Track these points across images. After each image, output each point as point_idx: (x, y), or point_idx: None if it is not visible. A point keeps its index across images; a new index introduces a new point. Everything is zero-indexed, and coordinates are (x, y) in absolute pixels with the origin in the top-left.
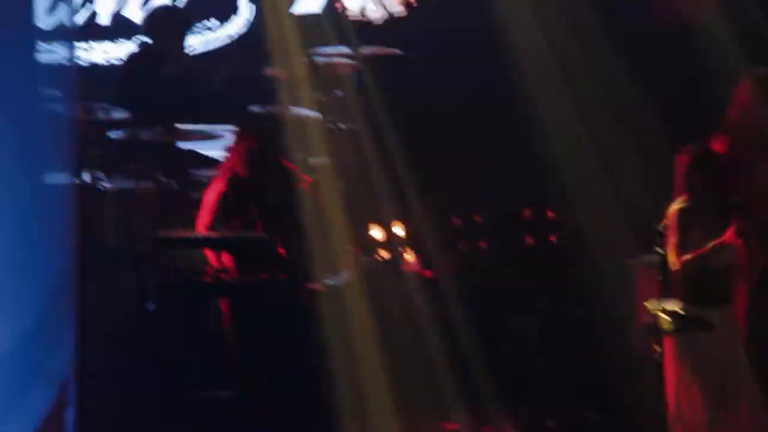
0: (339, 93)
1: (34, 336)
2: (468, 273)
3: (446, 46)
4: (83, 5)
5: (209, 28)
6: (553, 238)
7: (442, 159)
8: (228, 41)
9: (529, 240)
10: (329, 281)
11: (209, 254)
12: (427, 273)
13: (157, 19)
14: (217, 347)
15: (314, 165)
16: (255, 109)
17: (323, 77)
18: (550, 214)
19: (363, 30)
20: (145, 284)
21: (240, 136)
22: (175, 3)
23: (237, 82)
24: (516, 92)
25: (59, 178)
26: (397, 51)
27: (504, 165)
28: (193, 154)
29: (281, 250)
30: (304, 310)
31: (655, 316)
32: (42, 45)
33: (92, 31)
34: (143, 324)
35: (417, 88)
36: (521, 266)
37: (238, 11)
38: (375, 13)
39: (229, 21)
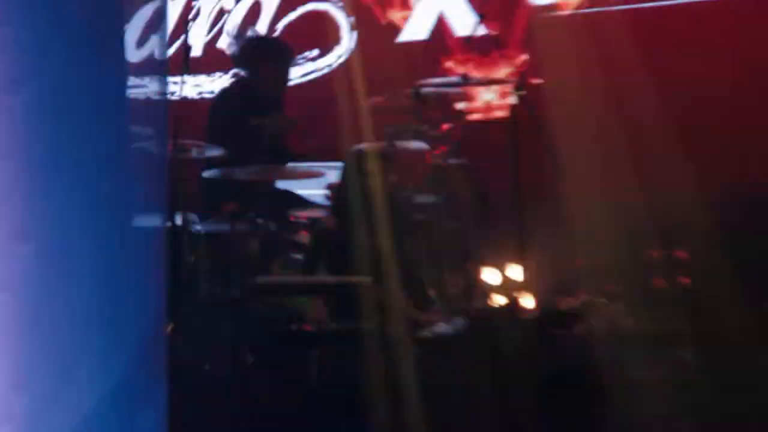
0: (448, 125)
1: (123, 392)
2: (592, 319)
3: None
4: (178, 37)
5: (309, 59)
6: (686, 281)
7: (563, 192)
8: (327, 71)
9: (658, 282)
10: (438, 329)
11: (312, 301)
12: (546, 320)
13: (254, 50)
14: (320, 402)
15: (421, 203)
16: (360, 145)
17: (431, 108)
18: (681, 254)
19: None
20: (242, 334)
21: (344, 171)
22: (272, 34)
23: (337, 116)
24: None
25: (150, 221)
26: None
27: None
28: (291, 194)
29: (388, 296)
30: (411, 360)
31: None
32: (133, 80)
33: (185, 63)
34: (240, 378)
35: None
36: (653, 310)
37: (340, 40)
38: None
39: (330, 51)
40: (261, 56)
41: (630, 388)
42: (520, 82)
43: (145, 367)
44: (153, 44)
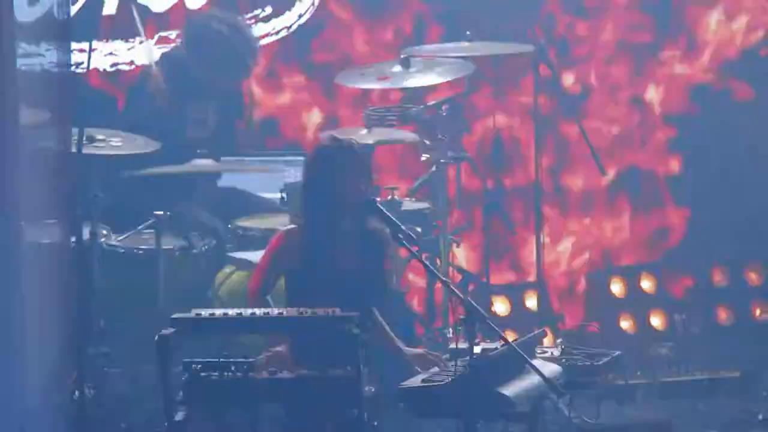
0: (444, 108)
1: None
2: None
3: None
4: None
5: (258, 18)
6: None
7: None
8: (285, 34)
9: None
10: (432, 377)
11: (268, 340)
12: (572, 363)
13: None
14: None
15: (411, 210)
16: (327, 133)
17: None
18: None
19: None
20: (172, 385)
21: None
22: None
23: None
24: None
25: (49, 235)
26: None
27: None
28: (239, 194)
29: (368, 333)
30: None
31: None
32: (24, 47)
33: (94, 25)
34: None
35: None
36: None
37: None
38: None
39: (287, 8)
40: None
41: None
42: None
43: (41, 416)
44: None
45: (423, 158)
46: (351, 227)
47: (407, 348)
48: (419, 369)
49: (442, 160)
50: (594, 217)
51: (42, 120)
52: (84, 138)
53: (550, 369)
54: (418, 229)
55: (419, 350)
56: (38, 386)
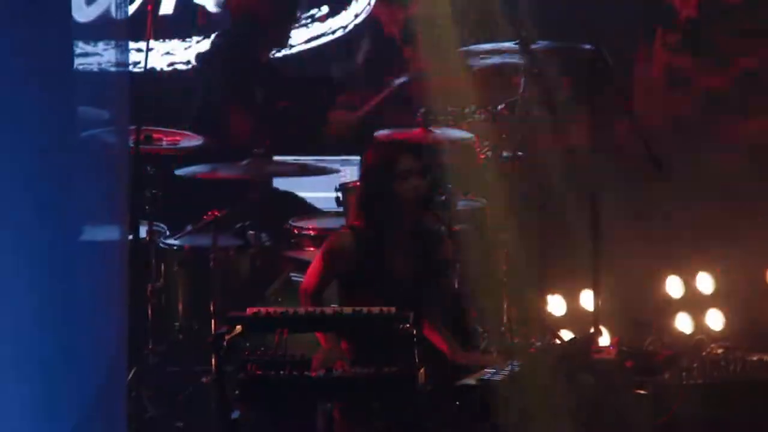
0: (501, 108)
1: None
2: (682, 361)
3: None
4: None
5: (314, 18)
6: None
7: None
8: (342, 34)
9: None
10: (488, 376)
11: (321, 339)
12: (628, 363)
13: (247, 8)
14: None
15: (466, 209)
16: (383, 132)
17: (481, 86)
18: None
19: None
20: (226, 382)
21: (365, 170)
22: None
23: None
24: None
25: (106, 233)
26: (586, 46)
27: None
28: (294, 196)
29: (428, 333)
30: (453, 416)
31: None
32: (81, 46)
33: (152, 25)
34: None
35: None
36: None
37: None
38: None
39: (343, 8)
40: (258, 16)
41: None
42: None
43: (97, 420)
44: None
45: (479, 157)
46: (407, 228)
47: (461, 350)
48: (474, 369)
49: (497, 160)
50: None
51: (100, 119)
52: (142, 136)
53: None
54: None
55: (473, 354)
56: (95, 385)
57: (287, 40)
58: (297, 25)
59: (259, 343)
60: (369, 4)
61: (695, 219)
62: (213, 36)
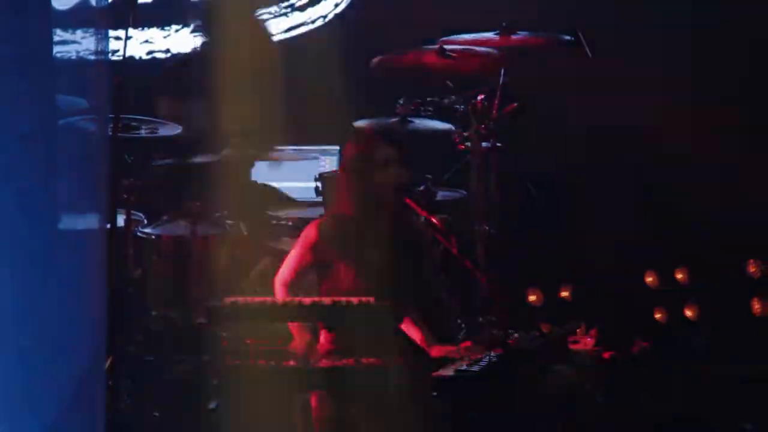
0: (480, 98)
1: None
2: (667, 354)
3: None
4: None
5: (294, 7)
6: None
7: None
8: (321, 24)
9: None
10: (465, 367)
11: (294, 329)
12: (605, 354)
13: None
14: None
15: (445, 200)
16: (361, 122)
17: (458, 76)
18: None
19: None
20: (205, 372)
21: (345, 160)
22: None
23: (334, 82)
24: None
25: (86, 222)
26: (564, 36)
27: None
28: (271, 187)
29: (402, 324)
30: (427, 407)
31: None
32: (61, 34)
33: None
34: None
35: (595, 87)
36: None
37: None
38: None
39: None
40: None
41: None
42: None
43: (76, 410)
44: None
45: (458, 147)
46: (386, 218)
47: (436, 341)
48: (453, 360)
49: (477, 150)
50: None
51: (80, 107)
52: (120, 125)
53: None
54: (451, 219)
55: (449, 345)
56: (75, 375)
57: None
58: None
59: (237, 332)
60: None
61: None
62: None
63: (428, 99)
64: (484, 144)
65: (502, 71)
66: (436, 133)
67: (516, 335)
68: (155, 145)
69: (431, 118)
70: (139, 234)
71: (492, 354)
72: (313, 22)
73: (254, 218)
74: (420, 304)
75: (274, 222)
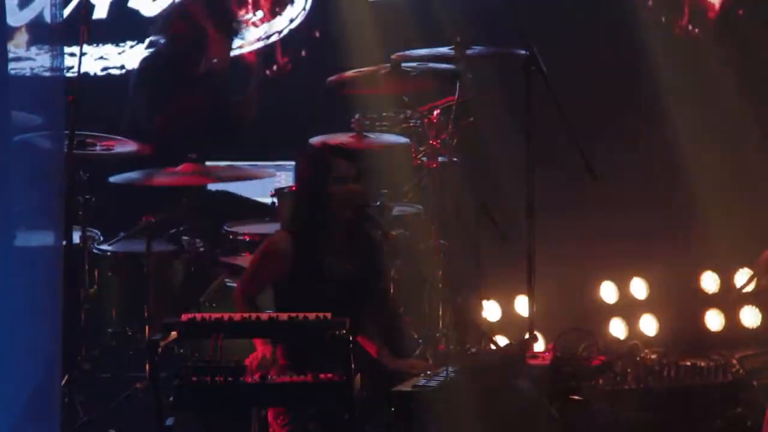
0: (436, 113)
1: None
2: (616, 366)
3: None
4: None
5: (252, 23)
6: None
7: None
8: (276, 39)
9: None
10: (423, 382)
11: (257, 343)
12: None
13: (182, 14)
14: None
15: (401, 215)
16: (318, 137)
17: (414, 91)
18: None
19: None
20: (160, 389)
21: (301, 173)
22: None
23: (292, 99)
24: None
25: (40, 239)
26: (519, 50)
27: None
28: (230, 198)
29: (360, 339)
30: (388, 422)
31: None
32: (14, 50)
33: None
34: None
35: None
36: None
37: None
38: None
39: (279, 13)
40: (194, 21)
41: None
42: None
43: (30, 424)
44: (41, 2)
45: (414, 163)
46: (343, 233)
47: (390, 356)
48: (409, 376)
49: (433, 165)
50: None
51: (34, 123)
52: (75, 141)
53: None
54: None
55: (403, 360)
56: (30, 389)
57: (229, 53)
58: (237, 37)
59: (193, 349)
60: (304, 9)
61: (629, 225)
62: (146, 46)
63: (384, 114)
64: (440, 158)
65: (458, 85)
66: (392, 147)
67: (473, 350)
68: (111, 162)
69: (387, 132)
70: (95, 251)
71: (450, 368)
72: (268, 37)
73: (211, 233)
74: (377, 319)
75: (231, 237)
